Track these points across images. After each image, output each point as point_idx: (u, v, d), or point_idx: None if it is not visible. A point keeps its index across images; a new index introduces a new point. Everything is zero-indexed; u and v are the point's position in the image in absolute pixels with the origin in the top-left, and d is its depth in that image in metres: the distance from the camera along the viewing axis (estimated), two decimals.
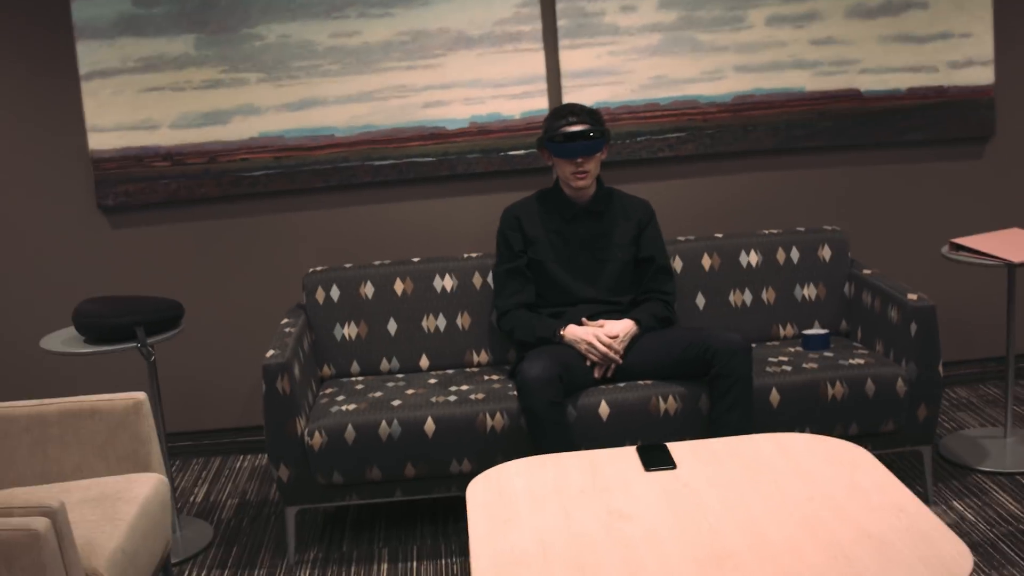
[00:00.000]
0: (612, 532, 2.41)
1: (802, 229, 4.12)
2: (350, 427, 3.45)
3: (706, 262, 4.04)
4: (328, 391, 3.77)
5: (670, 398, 3.50)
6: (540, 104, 4.28)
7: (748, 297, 4.03)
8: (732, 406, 3.40)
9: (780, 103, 4.35)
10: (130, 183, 4.27)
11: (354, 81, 4.25)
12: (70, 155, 4.28)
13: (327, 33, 4.22)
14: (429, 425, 3.46)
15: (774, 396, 3.54)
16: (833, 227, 4.14)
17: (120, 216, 4.32)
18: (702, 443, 2.89)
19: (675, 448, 2.88)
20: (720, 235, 4.10)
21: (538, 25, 4.25)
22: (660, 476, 2.70)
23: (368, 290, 3.98)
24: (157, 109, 4.22)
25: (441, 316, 3.98)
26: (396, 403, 3.54)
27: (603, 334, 3.59)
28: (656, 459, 2.78)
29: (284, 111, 4.25)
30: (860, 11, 4.31)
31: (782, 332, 4.03)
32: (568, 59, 4.28)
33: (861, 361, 3.61)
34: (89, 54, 4.18)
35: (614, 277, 3.77)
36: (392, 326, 3.97)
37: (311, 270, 4.07)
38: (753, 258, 4.04)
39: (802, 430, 3.57)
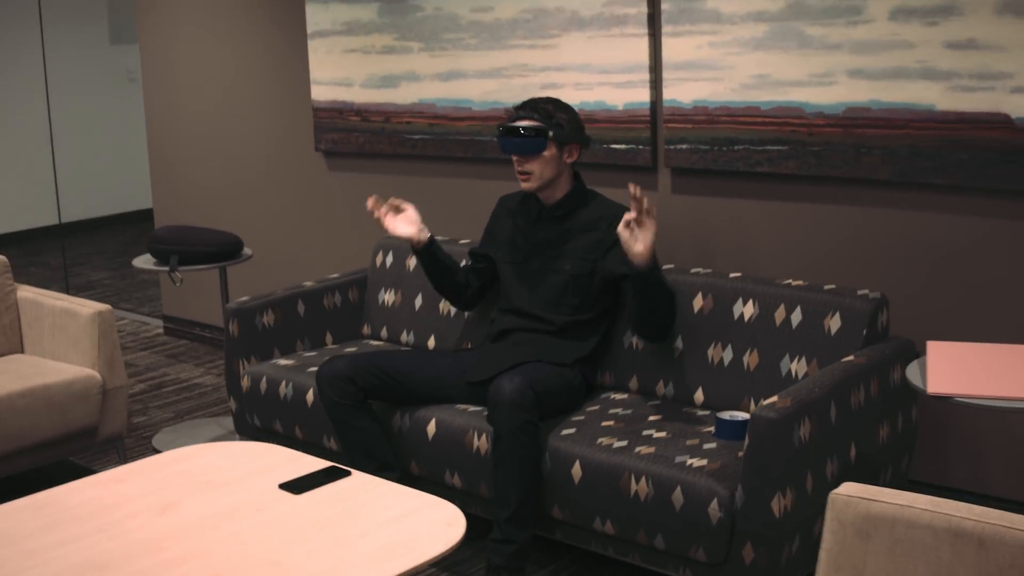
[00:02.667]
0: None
1: (830, 287, 3.24)
2: (264, 379, 3.75)
3: (697, 303, 3.41)
4: (330, 345, 4.05)
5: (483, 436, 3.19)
6: (642, 96, 3.87)
7: (728, 355, 3.32)
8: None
9: (902, 123, 3.36)
10: (334, 132, 4.82)
11: (487, 56, 4.26)
12: (301, 103, 4.96)
13: (469, 7, 4.27)
14: (311, 395, 3.62)
15: (576, 470, 3.02)
16: (870, 292, 3.18)
17: (331, 159, 4.92)
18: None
19: None
20: (735, 275, 3.41)
21: (644, 7, 3.82)
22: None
23: (411, 262, 4.10)
24: (352, 68, 4.69)
25: None
26: (312, 370, 3.73)
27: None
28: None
29: (436, 80, 4.43)
30: (1015, 6, 3.12)
31: (752, 407, 3.26)
32: (670, 48, 3.79)
33: (702, 462, 2.88)
34: (313, 15, 4.78)
35: (555, 290, 3.43)
36: (419, 301, 4.05)
37: (386, 236, 4.28)
38: (748, 310, 3.31)
39: (603, 524, 2.99)
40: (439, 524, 2.56)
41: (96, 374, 3.90)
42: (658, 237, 3.88)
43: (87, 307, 3.94)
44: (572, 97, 4.03)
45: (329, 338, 4.12)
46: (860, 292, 3.18)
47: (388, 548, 2.41)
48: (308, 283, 4.12)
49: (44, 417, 3.75)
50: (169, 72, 5.53)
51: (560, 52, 4.06)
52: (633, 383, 3.51)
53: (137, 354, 5.58)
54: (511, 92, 4.20)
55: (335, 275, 4.25)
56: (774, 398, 2.76)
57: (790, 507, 2.73)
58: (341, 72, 4.73)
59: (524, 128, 3.33)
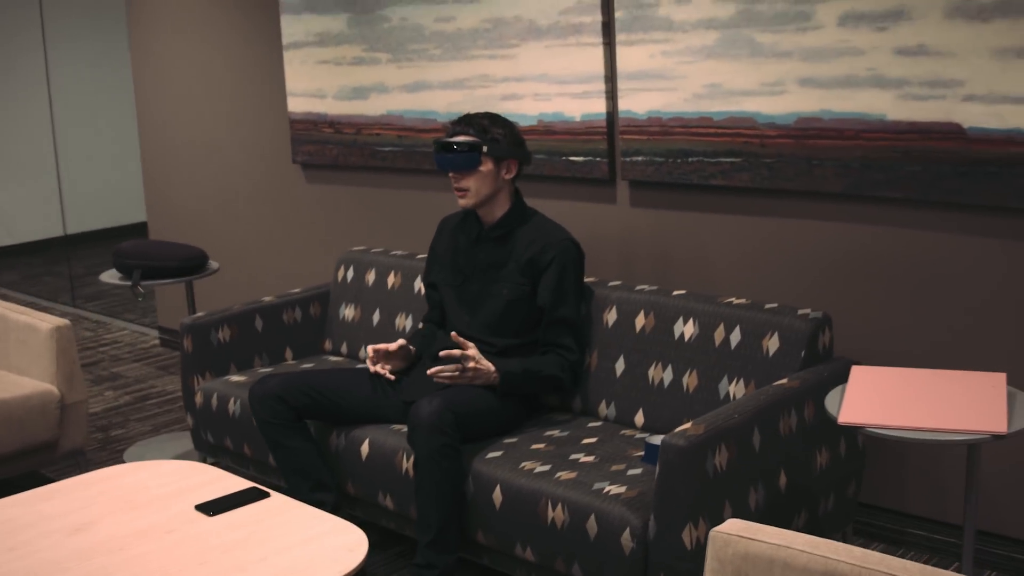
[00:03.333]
0: None
1: (771, 306, 3.11)
2: (215, 396, 3.71)
3: (639, 321, 3.30)
4: (289, 361, 4.00)
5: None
6: (598, 107, 3.77)
7: (668, 376, 3.21)
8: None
9: (853, 133, 3.23)
10: (309, 144, 4.78)
11: (450, 67, 4.18)
12: (279, 114, 4.93)
13: (432, 17, 4.20)
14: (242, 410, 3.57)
15: (497, 495, 2.93)
16: (811, 312, 3.05)
17: (309, 171, 4.87)
18: None
19: None
20: (679, 292, 3.30)
21: (598, 16, 3.72)
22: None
23: (370, 277, 4.04)
24: (324, 80, 4.64)
25: (411, 317, 3.89)
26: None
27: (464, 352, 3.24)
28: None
29: (403, 92, 4.37)
30: (966, 10, 2.97)
31: None
32: (624, 57, 3.68)
33: (620, 490, 2.78)
34: (287, 26, 4.73)
35: (495, 314, 3.34)
36: (376, 316, 3.98)
37: (351, 249, 4.22)
38: (688, 330, 3.19)
39: (523, 550, 2.90)
40: (341, 549, 2.54)
41: (55, 389, 3.89)
42: (617, 250, 3.79)
43: (47, 322, 3.94)
44: (531, 108, 3.95)
45: (289, 353, 4.07)
46: (801, 312, 3.04)
47: (283, 573, 2.38)
48: (268, 298, 4.08)
49: (2, 431, 3.75)
50: (157, 86, 5.53)
51: (519, 62, 3.97)
52: (577, 404, 3.41)
53: (129, 365, 5.59)
54: (474, 103, 4.12)
55: (296, 289, 4.20)
56: (687, 424, 2.65)
57: (704, 539, 2.61)
58: (314, 84, 4.69)
59: (458, 144, 3.25)
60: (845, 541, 3.21)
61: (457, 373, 3.16)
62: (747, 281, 3.55)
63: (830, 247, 3.37)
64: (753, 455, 2.74)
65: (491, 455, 3.04)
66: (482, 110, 4.05)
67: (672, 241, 3.70)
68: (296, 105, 4.78)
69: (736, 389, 3.06)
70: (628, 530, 2.66)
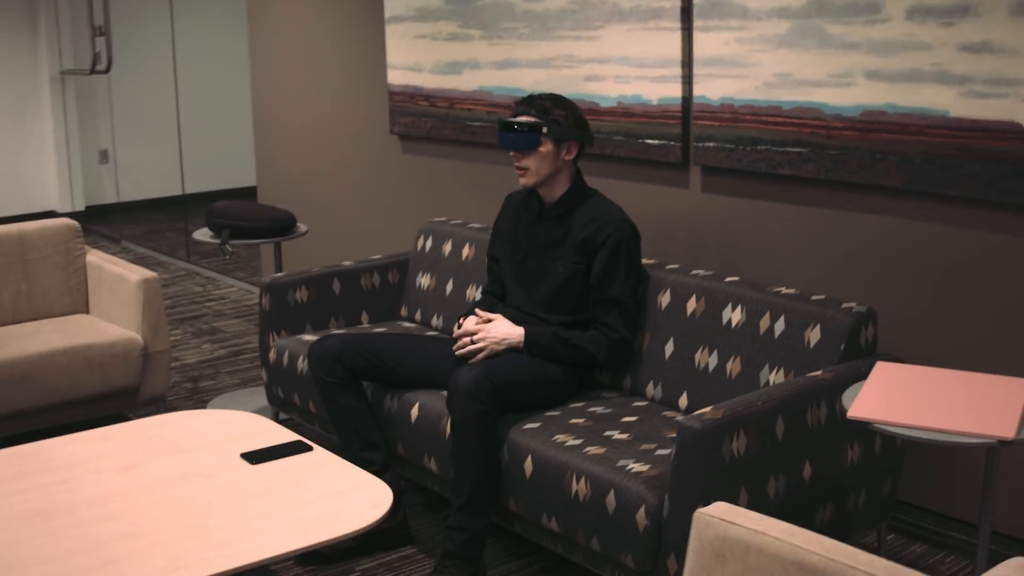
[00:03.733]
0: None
1: (818, 297, 3.11)
2: (287, 353, 3.88)
3: (690, 305, 3.34)
4: (364, 325, 4.15)
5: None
6: (675, 91, 3.80)
7: (714, 361, 3.24)
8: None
9: (916, 128, 3.20)
10: (406, 116, 4.91)
11: (538, 47, 4.26)
12: (378, 86, 5.07)
13: None
14: None
15: (528, 464, 3.01)
16: (856, 305, 3.04)
17: (406, 143, 5.01)
18: None
19: None
20: (732, 279, 3.32)
21: (678, 1, 3.75)
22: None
23: (447, 248, 4.15)
24: (421, 54, 4.77)
25: (481, 289, 3.99)
26: None
27: (477, 321, 3.42)
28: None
29: (494, 68, 4.46)
30: None
31: None
32: (700, 43, 3.70)
33: (643, 468, 2.83)
34: (389, 1, 4.87)
35: (551, 292, 3.42)
36: (449, 286, 4.09)
37: (432, 219, 4.34)
38: (736, 316, 3.22)
39: (549, 520, 2.98)
40: (365, 504, 2.65)
41: (139, 337, 4.12)
42: (687, 234, 3.82)
43: (136, 274, 4.17)
44: (612, 90, 3.99)
45: (365, 317, 4.22)
46: (845, 305, 3.04)
47: (305, 521, 2.53)
48: (347, 263, 4.23)
49: (85, 375, 4.00)
50: (270, 56, 5.75)
51: (602, 44, 4.02)
52: (627, 383, 3.46)
53: (230, 321, 5.84)
54: (559, 83, 4.18)
55: (377, 256, 4.34)
56: (707, 408, 2.68)
57: None
58: (413, 57, 4.81)
59: (519, 124, 3.33)
60: (880, 539, 3.20)
61: (475, 346, 3.33)
62: (808, 271, 3.54)
63: (890, 242, 3.34)
64: (776, 444, 2.76)
65: (528, 426, 3.13)
66: (566, 90, 4.12)
67: (739, 228, 3.71)
68: (395, 78, 4.92)
69: (776, 378, 3.08)
70: (643, 508, 2.71)
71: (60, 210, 8.29)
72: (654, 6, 3.81)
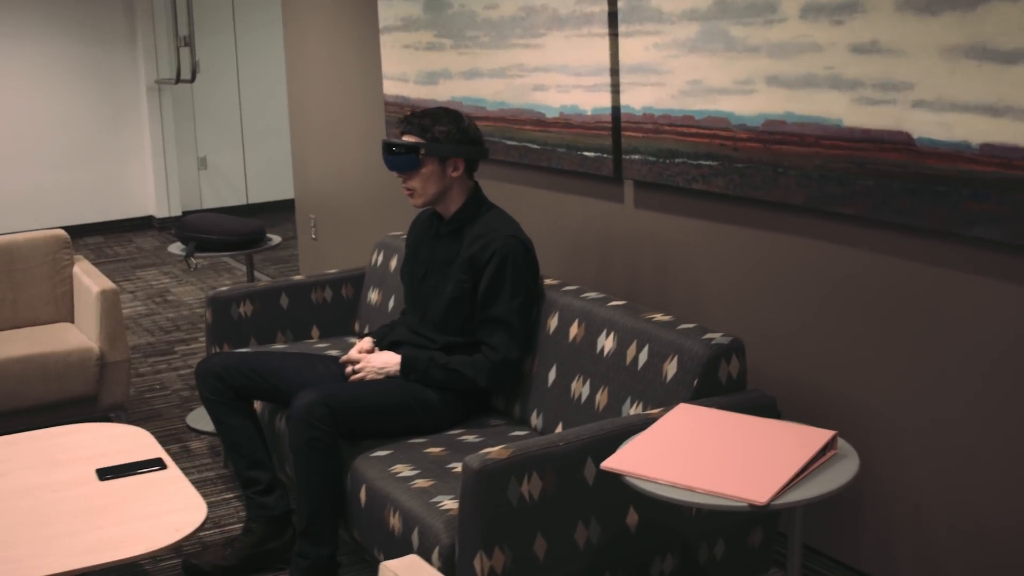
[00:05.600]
0: None
1: (688, 326, 2.84)
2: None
3: (573, 330, 3.10)
4: (315, 339, 4.07)
5: None
6: (605, 101, 3.56)
7: (586, 391, 3.00)
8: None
9: (813, 139, 2.88)
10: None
11: (495, 56, 4.09)
12: (377, 96, 4.99)
13: (482, 4, 4.11)
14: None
15: (362, 494, 2.85)
16: (718, 336, 2.75)
17: None
18: None
19: None
20: (616, 303, 3.07)
21: (605, 5, 3.51)
22: None
23: (394, 262, 4.02)
24: (408, 64, 4.66)
25: None
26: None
27: (358, 352, 3.32)
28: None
29: (462, 79, 4.31)
30: (916, 1, 2.57)
31: None
32: (625, 49, 3.46)
33: (453, 504, 2.63)
34: (382, 11, 4.78)
35: (440, 311, 3.26)
36: (391, 302, 3.97)
37: (388, 234, 4.22)
38: (608, 344, 2.97)
39: (378, 554, 2.81)
40: (169, 528, 2.63)
41: (95, 347, 4.16)
42: (623, 252, 3.59)
43: (96, 285, 4.21)
44: (555, 100, 3.78)
45: (316, 332, 4.13)
46: (708, 336, 2.75)
47: (101, 542, 2.56)
48: (298, 276, 4.15)
49: (39, 382, 4.07)
50: (301, 71, 5.75)
51: (546, 52, 3.81)
52: (517, 410, 3.25)
53: None
54: (513, 93, 4.00)
55: (333, 270, 4.25)
56: (495, 447, 2.47)
57: (500, 570, 2.43)
58: (401, 67, 4.71)
59: (396, 145, 3.18)
60: None
61: (357, 376, 3.23)
62: (723, 293, 3.25)
63: (793, 263, 3.02)
64: (584, 488, 2.51)
65: (377, 454, 2.97)
66: (518, 100, 3.94)
67: (669, 246, 3.45)
68: (388, 88, 4.83)
69: (635, 412, 2.82)
70: (438, 548, 2.52)
71: (157, 215, 8.58)
72: (586, 11, 3.59)
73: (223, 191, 8.80)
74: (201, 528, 2.68)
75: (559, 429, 3.06)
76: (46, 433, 3.29)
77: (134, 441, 3.18)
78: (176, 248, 4.50)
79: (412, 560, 2.01)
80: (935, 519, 2.71)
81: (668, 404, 2.72)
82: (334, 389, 3.01)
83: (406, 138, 3.22)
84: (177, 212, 8.60)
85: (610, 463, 2.16)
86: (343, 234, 5.59)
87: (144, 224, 8.68)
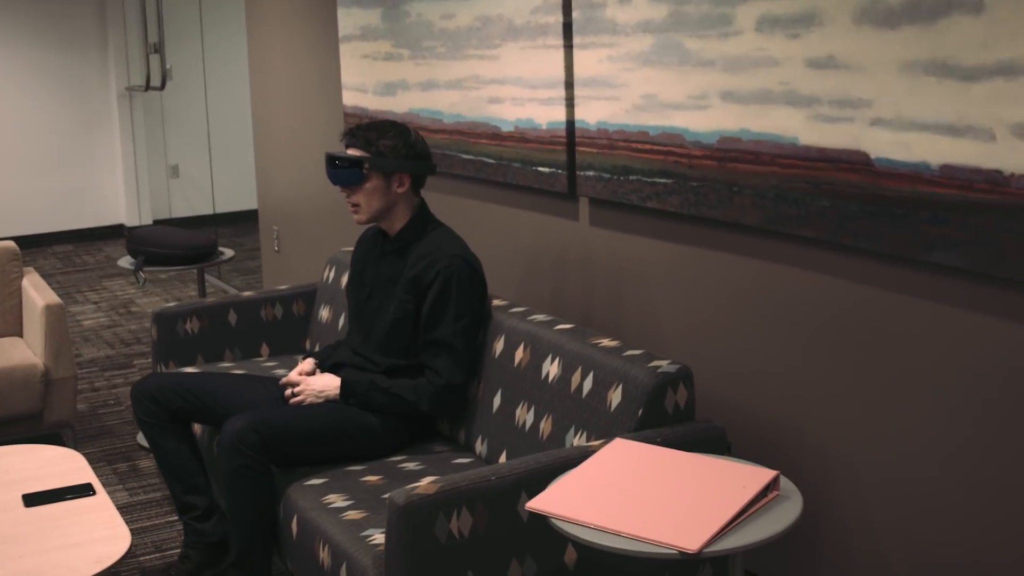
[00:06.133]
0: None
1: (635, 352, 2.71)
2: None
3: (518, 354, 2.97)
4: (264, 357, 3.93)
5: None
6: (560, 115, 3.44)
7: (530, 419, 2.87)
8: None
9: (768, 158, 2.76)
10: None
11: (451, 66, 3.96)
12: (336, 107, 4.87)
13: (439, 14, 3.99)
14: None
15: (294, 525, 2.72)
16: (665, 364, 2.62)
17: None
18: None
19: None
20: (562, 327, 2.94)
21: (560, 16, 3.39)
22: None
23: (344, 278, 3.89)
24: (367, 74, 4.53)
25: None
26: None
27: (299, 374, 3.19)
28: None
29: (419, 90, 4.18)
30: (874, 13, 2.45)
31: None
32: (579, 62, 3.34)
33: (383, 539, 2.50)
34: (341, 19, 4.66)
35: (384, 332, 3.13)
36: (342, 320, 3.83)
37: (341, 249, 4.09)
38: (553, 370, 2.84)
39: None
40: (90, 559, 2.55)
41: (39, 363, 4.02)
42: (578, 273, 3.47)
43: (42, 300, 4.08)
44: (510, 113, 3.66)
45: (265, 350, 4.00)
46: (655, 363, 2.62)
47: (21, 574, 2.44)
48: (247, 293, 4.02)
49: None
50: (265, 83, 5.63)
51: (501, 64, 3.69)
52: (462, 436, 3.12)
53: None
54: (469, 105, 3.87)
55: (284, 286, 4.12)
56: (424, 481, 2.34)
57: None
58: (359, 78, 4.58)
59: (339, 159, 3.06)
60: None
61: (297, 399, 3.10)
62: (679, 316, 3.12)
63: (748, 286, 2.90)
64: (518, 524, 2.38)
65: (311, 482, 2.84)
66: (474, 113, 3.81)
67: (624, 265, 3.32)
68: (347, 98, 4.70)
69: (579, 443, 2.69)
70: None
71: (128, 223, 8.43)
72: (541, 22, 3.46)
73: (194, 200, 8.65)
74: (125, 558, 2.55)
75: (503, 458, 2.93)
76: None
77: (66, 464, 3.05)
78: (126, 262, 4.36)
79: None
80: (895, 552, 2.59)
81: (612, 434, 2.59)
82: (266, 414, 2.88)
83: (350, 151, 3.10)
84: (148, 221, 8.46)
85: (536, 503, 2.03)
86: (305, 246, 5.46)
87: (115, 232, 8.54)
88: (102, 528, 2.64)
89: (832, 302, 2.67)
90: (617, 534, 1.92)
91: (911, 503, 2.52)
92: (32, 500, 2.79)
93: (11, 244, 4.44)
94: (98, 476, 4.05)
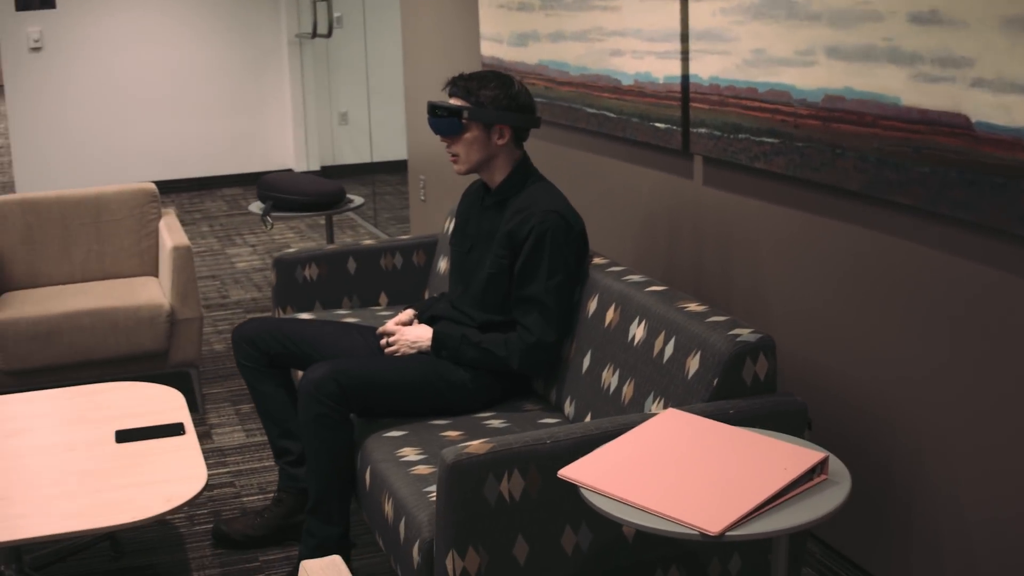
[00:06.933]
0: None
1: (719, 318, 2.61)
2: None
3: (608, 315, 2.90)
4: (382, 306, 3.97)
5: None
6: (675, 69, 3.33)
7: (615, 382, 2.80)
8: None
9: (872, 119, 2.60)
10: None
11: (577, 18, 3.88)
12: (474, 57, 4.84)
13: None
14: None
15: (368, 475, 2.74)
16: (745, 333, 2.51)
17: None
18: None
19: None
20: (655, 288, 2.86)
21: None
22: None
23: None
24: (502, 24, 4.48)
25: None
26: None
27: (396, 324, 3.22)
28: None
29: (549, 41, 4.11)
30: None
31: None
32: (694, 13, 3.21)
33: None
34: None
35: (480, 286, 3.11)
36: None
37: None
38: (639, 333, 2.76)
39: (377, 538, 2.69)
40: (160, 499, 2.61)
41: (165, 304, 4.17)
42: (690, 232, 3.37)
43: (171, 241, 4.22)
44: (631, 66, 3.56)
45: (384, 299, 4.03)
46: (735, 331, 2.51)
47: (100, 506, 2.54)
48: (367, 242, 4.06)
49: (109, 336, 4.11)
50: (415, 34, 5.64)
51: (623, 15, 3.59)
52: (553, 395, 3.08)
53: None
54: (592, 58, 3.79)
55: (405, 236, 4.14)
56: (476, 442, 2.30)
57: (475, 571, 2.28)
58: (496, 28, 4.54)
59: (439, 108, 3.03)
60: None
61: (391, 348, 3.10)
62: (782, 283, 2.99)
63: (848, 255, 2.74)
64: (574, 491, 2.32)
65: (390, 434, 2.85)
66: (597, 65, 3.73)
67: (733, 227, 3.20)
68: (485, 49, 4.67)
69: (657, 409, 2.61)
70: (418, 542, 2.39)
71: (296, 168, 8.65)
72: None
73: (361, 147, 8.81)
74: (195, 499, 2.62)
75: (588, 419, 2.87)
76: (85, 389, 3.30)
77: (164, 403, 3.17)
78: (255, 207, 4.46)
79: (332, 561, 1.90)
80: (985, 551, 2.42)
81: (688, 403, 2.50)
82: (348, 364, 2.90)
83: (452, 101, 3.07)
84: (315, 167, 8.67)
85: (568, 471, 1.97)
86: (450, 196, 5.48)
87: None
88: (182, 468, 2.72)
89: (931, 276, 2.49)
90: (641, 509, 1.85)
91: (1005, 489, 2.35)
92: (123, 436, 2.90)
93: (150, 186, 4.60)
94: (220, 415, 4.20)
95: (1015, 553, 2.33)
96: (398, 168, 8.38)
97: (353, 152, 8.80)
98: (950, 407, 2.47)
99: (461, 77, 3.07)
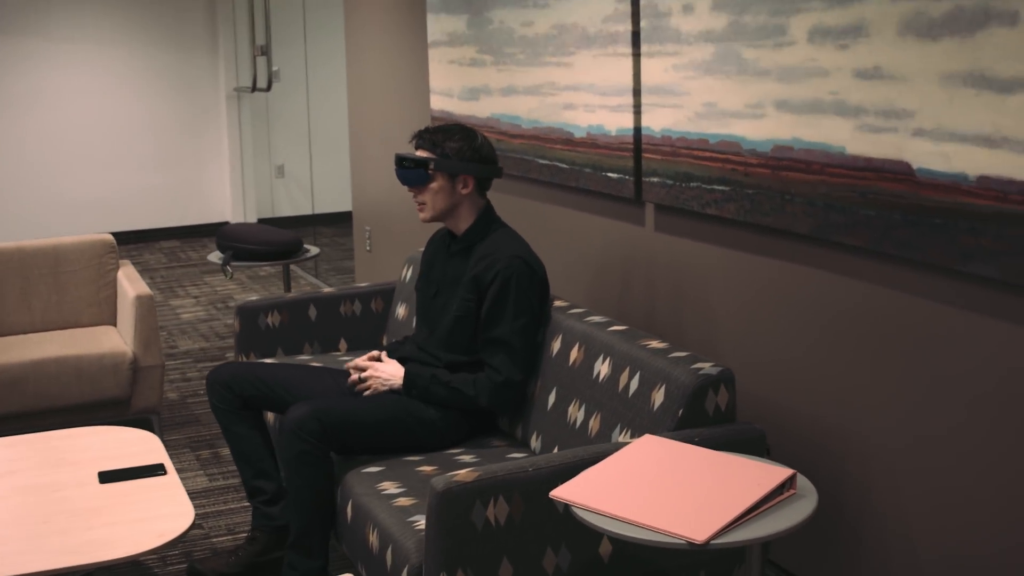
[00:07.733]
0: None
1: (680, 354, 2.78)
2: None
3: (573, 354, 3.06)
4: (342, 351, 4.09)
5: None
6: (627, 122, 3.52)
7: (581, 416, 2.95)
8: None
9: (819, 167, 2.81)
10: None
11: (530, 73, 4.07)
12: (424, 111, 5.01)
13: (519, 21, 4.10)
14: None
15: (349, 510, 2.86)
16: (707, 366, 2.69)
17: None
18: None
19: None
20: (617, 328, 3.02)
21: (629, 25, 3.48)
22: None
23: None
24: (453, 79, 4.66)
25: None
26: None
27: (371, 358, 3.35)
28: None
29: (501, 95, 4.30)
30: (917, 25, 2.49)
31: None
32: (646, 69, 3.42)
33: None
34: (430, 25, 4.80)
35: (447, 329, 3.25)
36: (415, 318, 3.97)
37: (418, 249, 4.22)
38: (604, 369, 2.92)
39: (360, 570, 2.80)
40: (153, 534, 2.67)
41: (128, 351, 4.24)
42: (643, 277, 3.54)
43: (133, 291, 4.30)
44: (583, 119, 3.75)
45: (343, 345, 4.15)
46: (698, 365, 2.68)
47: (85, 544, 2.60)
48: (328, 289, 4.18)
49: (73, 383, 4.16)
50: (361, 86, 5.81)
51: (575, 71, 3.79)
52: (519, 432, 3.22)
53: None
54: (545, 111, 3.98)
55: (364, 284, 4.27)
56: (463, 470, 2.44)
57: None
58: (447, 82, 4.72)
59: (407, 160, 3.19)
60: None
61: (363, 384, 3.21)
62: (735, 321, 3.18)
63: (798, 293, 2.94)
64: (554, 514, 2.47)
65: (368, 469, 2.97)
66: (550, 119, 3.92)
67: (685, 271, 3.39)
68: (435, 102, 4.84)
69: (625, 440, 2.76)
70: (407, 568, 2.50)
71: (233, 221, 8.73)
72: (611, 31, 3.55)
73: (298, 200, 8.92)
74: (198, 539, 2.71)
75: (554, 452, 3.02)
76: (62, 434, 3.36)
77: (142, 446, 3.24)
78: (215, 257, 4.56)
79: None
80: (931, 560, 2.61)
81: (656, 433, 2.66)
82: (328, 403, 3.02)
83: (418, 152, 3.23)
84: (252, 219, 8.75)
85: (559, 492, 2.12)
86: (396, 247, 5.62)
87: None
88: (169, 505, 2.80)
89: (877, 311, 2.70)
90: (630, 523, 2.00)
91: (950, 512, 2.54)
92: (106, 477, 2.97)
93: (108, 237, 4.68)
94: (181, 461, 4.27)
95: (957, 560, 2.52)
96: (336, 220, 8.52)
97: (290, 204, 8.90)
98: (895, 433, 2.66)
99: (427, 130, 3.23)
